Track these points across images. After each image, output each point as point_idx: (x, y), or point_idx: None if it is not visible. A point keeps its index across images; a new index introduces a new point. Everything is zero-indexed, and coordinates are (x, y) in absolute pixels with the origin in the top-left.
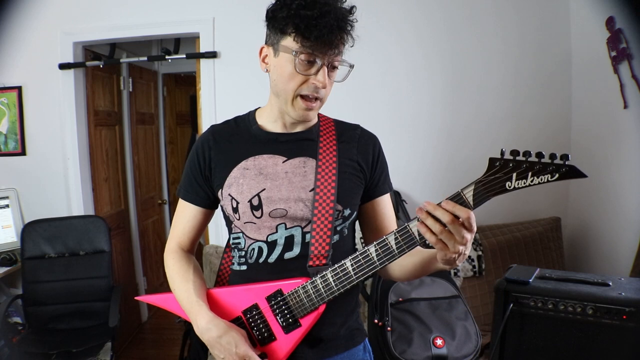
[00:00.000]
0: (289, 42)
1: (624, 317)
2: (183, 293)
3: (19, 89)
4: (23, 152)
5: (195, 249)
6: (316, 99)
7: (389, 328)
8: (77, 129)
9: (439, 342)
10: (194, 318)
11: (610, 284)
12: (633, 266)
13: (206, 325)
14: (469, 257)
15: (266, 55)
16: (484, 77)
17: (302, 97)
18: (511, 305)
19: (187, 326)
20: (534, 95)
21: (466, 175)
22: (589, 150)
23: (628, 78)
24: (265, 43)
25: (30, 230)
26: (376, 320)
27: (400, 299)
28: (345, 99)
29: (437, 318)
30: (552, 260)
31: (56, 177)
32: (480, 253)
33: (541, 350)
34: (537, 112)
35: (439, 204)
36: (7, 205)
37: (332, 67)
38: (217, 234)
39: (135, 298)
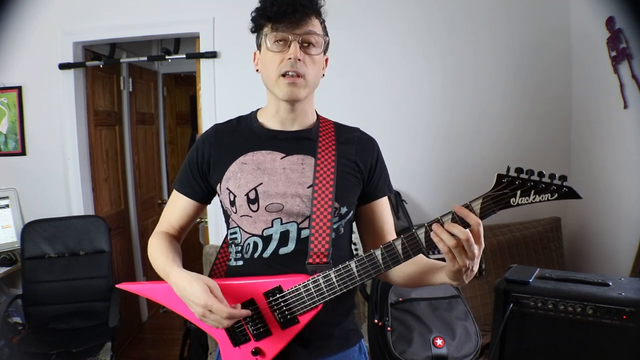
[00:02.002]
0: (264, 32)
1: (624, 317)
2: (162, 265)
3: (19, 89)
4: (23, 152)
5: (183, 238)
6: (298, 75)
7: (389, 328)
8: (77, 129)
9: (439, 342)
10: (170, 281)
11: (610, 284)
12: (633, 266)
13: (175, 281)
14: None
15: (258, 59)
16: (484, 77)
17: (283, 76)
18: (511, 305)
19: (187, 326)
20: (533, 95)
21: (466, 175)
22: (589, 150)
23: (628, 78)
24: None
25: (30, 230)
26: (376, 320)
27: (400, 299)
28: (346, 98)
29: (437, 318)
30: (552, 260)
31: (56, 177)
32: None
33: (541, 350)
34: (536, 112)
35: (450, 212)
36: (7, 205)
37: (306, 43)
38: (217, 234)
39: (117, 286)
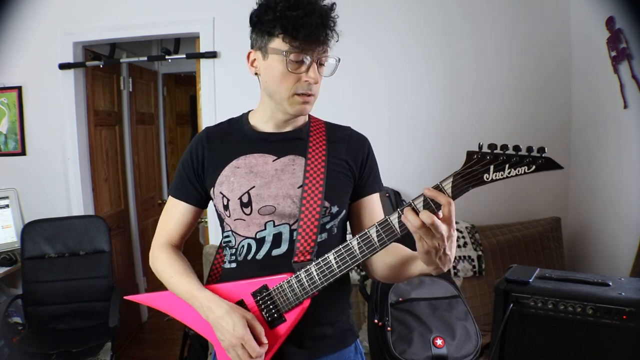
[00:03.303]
0: (277, 43)
1: (624, 317)
2: (184, 285)
3: (19, 89)
4: (23, 152)
5: (183, 246)
6: (309, 94)
7: (389, 328)
8: (77, 129)
9: (439, 342)
10: (200, 303)
11: (610, 284)
12: (633, 266)
13: (208, 304)
14: (469, 257)
15: (254, 59)
16: (484, 77)
17: (298, 94)
18: (511, 305)
19: (186, 331)
20: (533, 95)
21: None
22: (589, 150)
23: (628, 78)
24: (252, 48)
25: (30, 230)
26: (376, 320)
27: (400, 299)
28: (346, 98)
29: (437, 318)
30: (552, 260)
31: (56, 177)
32: (480, 253)
33: (541, 350)
34: (537, 112)
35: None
36: (7, 205)
37: (320, 64)
38: (217, 234)
39: (125, 297)
